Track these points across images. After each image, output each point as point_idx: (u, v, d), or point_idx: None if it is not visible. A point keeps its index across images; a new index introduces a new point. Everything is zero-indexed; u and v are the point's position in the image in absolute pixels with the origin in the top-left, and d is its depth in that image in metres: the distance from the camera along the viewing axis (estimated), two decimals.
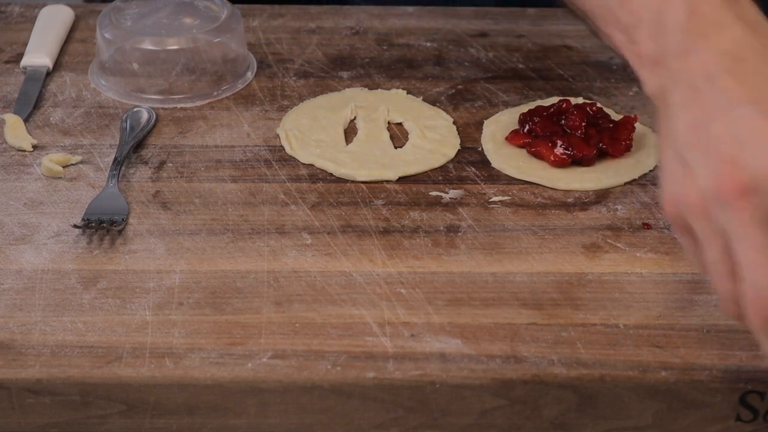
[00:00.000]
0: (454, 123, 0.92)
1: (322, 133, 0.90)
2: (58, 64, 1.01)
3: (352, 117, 0.93)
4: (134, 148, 0.88)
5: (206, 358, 0.68)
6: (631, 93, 0.98)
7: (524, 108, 0.92)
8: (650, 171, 0.87)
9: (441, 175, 0.86)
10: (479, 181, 0.86)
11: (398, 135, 0.91)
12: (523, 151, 0.88)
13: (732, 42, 0.63)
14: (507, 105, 0.95)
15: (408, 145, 0.89)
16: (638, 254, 0.78)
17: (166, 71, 0.95)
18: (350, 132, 0.91)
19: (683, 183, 0.63)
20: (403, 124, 0.92)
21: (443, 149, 0.88)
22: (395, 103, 0.94)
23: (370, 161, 0.86)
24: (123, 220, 0.80)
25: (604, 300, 0.74)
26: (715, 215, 0.60)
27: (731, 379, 0.68)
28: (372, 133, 0.90)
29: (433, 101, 0.96)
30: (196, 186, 0.84)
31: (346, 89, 0.96)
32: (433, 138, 0.89)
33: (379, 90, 0.96)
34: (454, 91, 0.97)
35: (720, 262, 0.61)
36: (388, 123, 0.92)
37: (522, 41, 1.06)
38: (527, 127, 0.89)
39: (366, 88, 0.97)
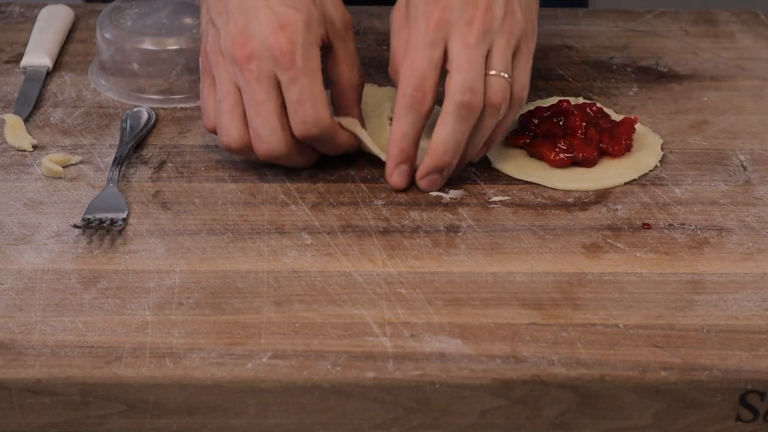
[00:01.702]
0: None
1: None
2: (58, 64, 1.01)
3: None
4: (134, 148, 0.88)
5: (206, 358, 0.68)
6: (631, 93, 0.98)
7: (524, 108, 0.92)
8: (650, 171, 0.87)
9: None
10: (479, 181, 0.86)
11: None
12: (523, 152, 0.88)
13: None
14: None
15: None
16: (638, 254, 0.78)
17: (166, 71, 0.95)
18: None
19: (212, 43, 0.82)
20: None
21: None
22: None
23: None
24: (123, 220, 0.80)
25: (604, 300, 0.74)
26: (231, 71, 0.80)
27: (731, 379, 0.68)
28: (373, 129, 0.90)
29: None
30: (196, 186, 0.84)
31: None
32: None
33: (388, 87, 0.96)
34: None
35: (227, 102, 0.81)
36: (390, 119, 0.92)
37: None
38: (527, 127, 0.89)
39: (376, 85, 0.96)
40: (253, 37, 0.79)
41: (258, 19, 0.79)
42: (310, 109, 0.79)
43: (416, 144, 0.82)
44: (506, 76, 0.80)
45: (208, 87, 0.84)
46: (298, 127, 0.80)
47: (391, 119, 0.92)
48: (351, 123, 0.86)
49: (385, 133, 0.89)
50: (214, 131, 0.84)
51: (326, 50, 0.84)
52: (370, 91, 0.95)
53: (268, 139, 0.80)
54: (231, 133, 0.81)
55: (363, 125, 0.86)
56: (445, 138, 0.80)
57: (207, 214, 0.81)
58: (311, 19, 0.80)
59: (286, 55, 0.78)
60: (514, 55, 0.81)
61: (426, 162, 0.82)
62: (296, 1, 0.80)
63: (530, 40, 0.83)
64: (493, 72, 0.80)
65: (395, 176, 0.83)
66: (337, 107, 0.86)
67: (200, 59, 0.85)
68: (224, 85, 0.81)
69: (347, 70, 0.85)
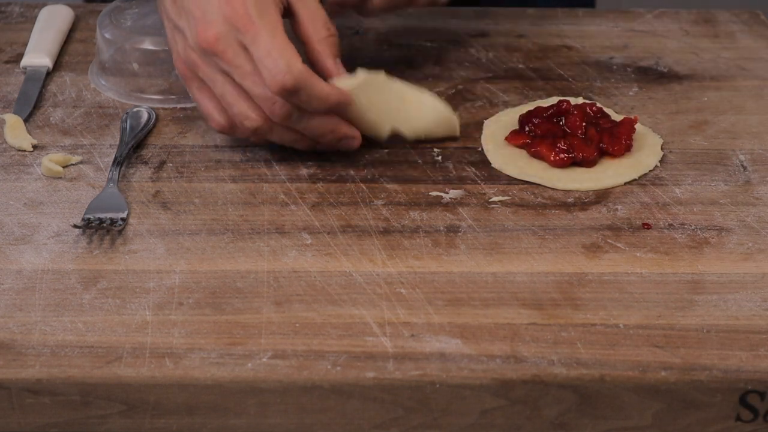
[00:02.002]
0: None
1: None
2: (58, 64, 1.01)
3: None
4: (134, 148, 0.88)
5: (206, 358, 0.68)
6: (631, 93, 0.98)
7: (524, 108, 0.92)
8: (650, 171, 0.87)
9: (441, 175, 0.86)
10: (479, 181, 0.86)
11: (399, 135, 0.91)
12: (523, 152, 0.88)
13: None
14: (507, 105, 0.95)
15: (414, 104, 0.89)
16: (638, 254, 0.78)
17: (166, 71, 0.95)
18: None
19: (182, 45, 0.83)
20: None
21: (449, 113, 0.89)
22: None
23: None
24: (123, 220, 0.80)
25: (604, 300, 0.74)
26: (210, 62, 0.81)
27: (731, 379, 0.68)
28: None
29: None
30: (196, 186, 0.84)
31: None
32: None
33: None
34: (454, 91, 0.97)
35: (228, 92, 0.81)
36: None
37: (522, 41, 1.06)
38: (527, 128, 0.89)
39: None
40: (211, 20, 0.80)
41: (210, 3, 0.80)
42: (278, 58, 0.78)
43: None
44: None
45: (198, 90, 0.84)
46: (272, 82, 0.79)
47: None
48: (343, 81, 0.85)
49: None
50: (228, 130, 0.84)
51: (289, 14, 0.84)
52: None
53: (275, 98, 0.80)
54: (251, 116, 0.82)
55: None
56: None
57: (207, 214, 0.81)
58: None
59: (242, 17, 0.79)
60: None
61: None
62: None
63: None
64: None
65: None
66: (313, 67, 0.84)
67: (177, 69, 0.85)
68: (215, 79, 0.81)
69: (310, 27, 0.84)
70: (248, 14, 0.79)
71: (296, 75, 0.79)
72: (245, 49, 0.80)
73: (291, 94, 0.80)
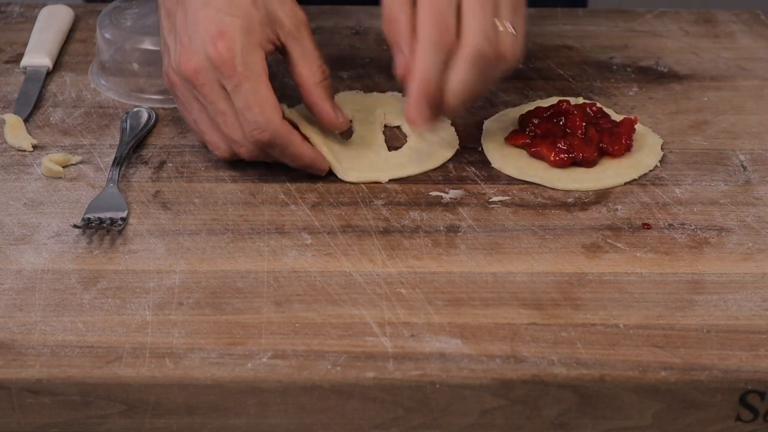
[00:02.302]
0: (452, 124, 0.92)
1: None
2: (58, 64, 1.01)
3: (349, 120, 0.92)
4: (134, 148, 0.88)
5: (206, 358, 0.68)
6: (631, 93, 0.98)
7: (524, 108, 0.92)
8: (650, 171, 0.87)
9: (441, 175, 0.86)
10: (479, 181, 0.86)
11: (398, 136, 0.91)
12: (524, 152, 0.88)
13: None
14: (507, 105, 0.95)
15: (405, 147, 0.89)
16: (638, 254, 0.78)
17: None
18: (346, 136, 0.91)
19: (167, 62, 0.83)
20: (401, 127, 0.92)
21: (442, 151, 0.88)
22: (391, 106, 0.94)
23: (363, 164, 0.86)
24: (123, 220, 0.80)
25: (604, 300, 0.74)
26: (188, 89, 0.81)
27: (731, 379, 0.68)
28: (366, 136, 0.90)
29: None
30: (196, 186, 0.84)
31: (340, 92, 0.96)
32: (432, 140, 0.89)
33: (375, 93, 0.96)
34: None
35: (201, 120, 0.83)
36: (385, 126, 0.92)
37: None
38: (527, 128, 0.89)
39: (362, 91, 0.96)
40: (195, 51, 0.79)
41: (198, 32, 0.79)
42: (257, 114, 0.79)
43: (439, 82, 0.79)
44: (513, 31, 0.79)
45: (182, 106, 0.84)
46: (249, 133, 0.80)
47: (386, 126, 0.92)
48: (292, 113, 0.85)
49: (378, 140, 0.89)
50: (205, 145, 0.85)
51: (283, 52, 0.84)
52: (360, 99, 0.95)
53: (244, 143, 0.81)
54: (220, 146, 0.83)
55: (333, 120, 0.85)
56: (461, 86, 0.78)
57: (207, 214, 0.81)
58: (251, 23, 0.80)
59: (227, 63, 0.78)
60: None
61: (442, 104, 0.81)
62: (234, 8, 0.79)
63: (523, 4, 0.82)
64: (502, 26, 0.79)
65: (414, 111, 0.80)
66: (308, 108, 0.85)
67: (164, 80, 0.84)
68: (191, 104, 0.82)
69: (306, 70, 0.84)
70: (232, 61, 0.78)
71: (272, 133, 0.80)
72: (224, 88, 0.79)
73: (266, 147, 0.81)
